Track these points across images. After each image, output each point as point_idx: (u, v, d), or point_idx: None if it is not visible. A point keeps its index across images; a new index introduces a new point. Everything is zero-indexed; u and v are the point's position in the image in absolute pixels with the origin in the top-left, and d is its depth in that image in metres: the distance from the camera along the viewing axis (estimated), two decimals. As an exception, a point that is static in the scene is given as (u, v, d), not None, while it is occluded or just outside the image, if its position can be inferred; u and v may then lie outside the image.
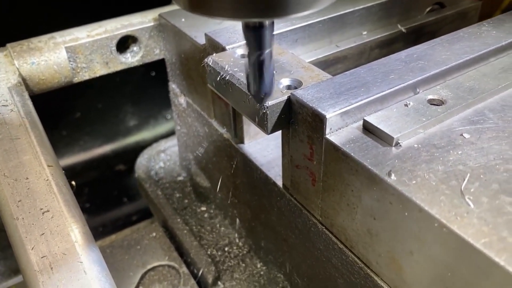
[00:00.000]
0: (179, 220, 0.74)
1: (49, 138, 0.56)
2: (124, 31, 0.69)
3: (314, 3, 0.33)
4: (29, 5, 0.89)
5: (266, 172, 0.55)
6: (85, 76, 0.69)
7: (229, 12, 0.32)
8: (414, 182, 0.35)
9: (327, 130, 0.40)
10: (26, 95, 0.60)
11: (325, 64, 0.59)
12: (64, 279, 0.40)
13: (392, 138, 0.38)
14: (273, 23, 0.38)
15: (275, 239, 0.59)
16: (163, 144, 0.93)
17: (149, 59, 0.73)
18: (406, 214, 0.35)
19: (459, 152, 0.37)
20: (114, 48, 0.69)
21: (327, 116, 0.40)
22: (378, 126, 0.39)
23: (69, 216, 0.45)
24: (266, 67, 0.39)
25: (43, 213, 0.45)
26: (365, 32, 0.64)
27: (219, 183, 0.70)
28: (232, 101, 0.48)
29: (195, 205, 0.78)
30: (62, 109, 1.07)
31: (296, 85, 0.46)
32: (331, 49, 0.60)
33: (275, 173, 0.54)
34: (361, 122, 0.41)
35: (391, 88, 0.43)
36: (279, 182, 0.53)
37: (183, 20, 0.65)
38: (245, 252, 0.68)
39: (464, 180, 0.35)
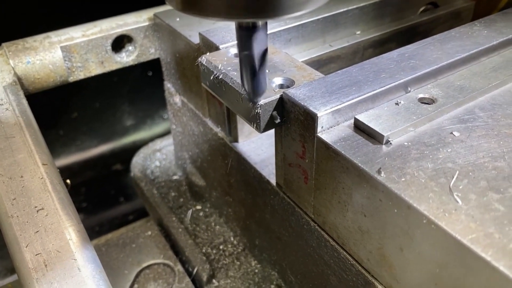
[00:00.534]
0: (174, 218, 0.74)
1: (46, 137, 0.56)
2: (119, 31, 0.69)
3: (306, 4, 0.34)
4: (24, 5, 0.89)
5: (259, 170, 0.55)
6: (80, 75, 0.69)
7: (222, 13, 0.32)
8: (403, 179, 0.35)
9: (319, 129, 0.41)
10: (21, 94, 0.60)
11: (319, 64, 0.60)
12: (58, 276, 0.40)
13: (383, 136, 0.38)
14: (266, 23, 0.39)
15: (269, 237, 0.60)
16: (158, 143, 0.93)
17: (144, 58, 0.73)
18: (395, 211, 0.35)
19: (448, 150, 0.38)
20: (109, 47, 0.70)
21: (319, 115, 0.40)
22: (369, 125, 0.40)
23: (63, 214, 0.45)
24: (259, 67, 0.40)
25: (37, 211, 0.45)
26: (358, 32, 0.64)
27: (214, 182, 0.70)
28: (226, 100, 0.49)
29: (190, 204, 0.78)
30: (59, 109, 1.07)
31: (289, 84, 0.46)
32: (325, 48, 0.61)
33: (269, 172, 0.55)
34: (352, 121, 0.42)
35: (382, 87, 0.43)
36: (273, 181, 0.53)
37: (177, 19, 0.65)
38: (239, 250, 0.69)
39: (453, 177, 0.35)
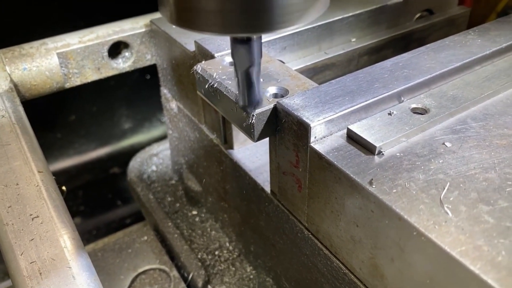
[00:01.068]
0: (170, 224, 0.74)
1: (44, 141, 0.56)
2: (115, 37, 0.69)
3: (300, 19, 0.34)
4: (20, 11, 0.89)
5: (254, 177, 0.55)
6: (76, 81, 0.70)
7: (216, 28, 0.33)
8: (394, 190, 0.36)
9: (312, 139, 0.41)
10: (17, 101, 0.61)
11: (314, 71, 0.60)
12: (53, 284, 0.40)
13: (375, 147, 0.39)
14: (260, 37, 0.39)
15: (264, 243, 0.60)
16: (155, 148, 0.93)
17: (140, 64, 0.73)
18: (386, 222, 0.35)
19: (440, 161, 0.38)
20: (106, 53, 0.70)
21: (312, 125, 0.40)
22: (361, 135, 0.40)
23: (58, 222, 0.46)
24: (253, 79, 0.40)
25: (32, 219, 0.46)
26: (354, 39, 0.65)
27: (210, 188, 0.70)
28: (221, 109, 0.49)
29: (186, 209, 0.79)
30: (56, 112, 1.07)
31: (283, 93, 0.46)
32: (320, 56, 0.61)
33: (263, 179, 0.55)
34: (345, 131, 0.42)
35: (375, 97, 0.43)
36: (267, 188, 0.53)
37: (174, 26, 0.65)
38: (235, 256, 0.69)
39: (444, 189, 0.35)
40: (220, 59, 0.52)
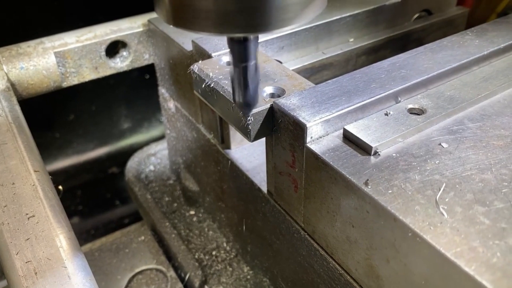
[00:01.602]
0: (167, 224, 0.74)
1: (42, 140, 0.56)
2: (113, 36, 0.69)
3: (297, 19, 0.34)
4: (18, 10, 0.89)
5: (251, 178, 0.55)
6: (74, 81, 0.69)
7: (213, 28, 0.33)
8: (390, 191, 0.35)
9: (308, 139, 0.41)
10: (14, 100, 0.61)
11: (312, 71, 0.60)
12: (48, 284, 0.40)
13: (371, 147, 0.39)
14: (257, 37, 0.39)
15: (261, 244, 0.60)
16: (153, 148, 0.93)
17: (138, 64, 0.73)
18: (382, 222, 0.35)
19: (436, 162, 0.38)
20: (103, 53, 0.70)
21: (308, 125, 0.40)
22: (358, 135, 0.40)
23: (54, 221, 0.45)
24: (250, 79, 0.40)
25: (28, 218, 0.45)
26: (352, 39, 0.64)
27: (208, 188, 0.70)
28: (217, 108, 0.49)
29: (184, 209, 0.78)
30: (55, 111, 1.07)
31: (280, 93, 0.46)
32: (318, 56, 0.61)
33: (260, 179, 0.55)
34: (341, 131, 0.42)
35: (372, 97, 0.43)
36: (264, 188, 0.53)
37: (171, 26, 0.65)
38: (232, 256, 0.69)
39: (439, 189, 0.35)
40: (217, 58, 0.52)
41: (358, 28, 0.64)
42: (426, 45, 0.53)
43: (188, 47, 0.59)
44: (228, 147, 0.60)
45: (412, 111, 0.43)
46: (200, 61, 0.52)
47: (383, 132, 0.40)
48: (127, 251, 0.73)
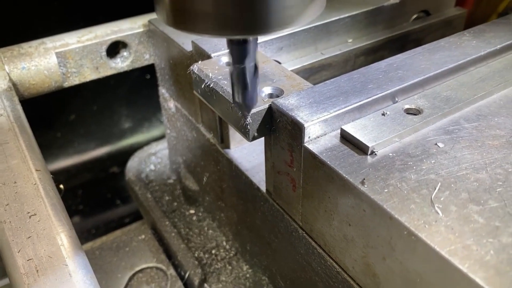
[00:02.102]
0: (167, 222, 0.75)
1: (43, 139, 0.57)
2: (114, 37, 0.70)
3: (296, 21, 0.34)
4: (19, 11, 0.90)
5: (250, 177, 0.56)
6: (75, 81, 0.70)
7: (212, 30, 0.33)
8: (386, 190, 0.36)
9: (306, 139, 0.42)
10: (16, 100, 0.61)
11: (310, 72, 0.61)
12: (49, 282, 0.40)
13: (368, 147, 0.39)
14: (256, 38, 0.39)
15: (260, 242, 0.60)
16: (154, 147, 0.94)
17: (139, 64, 0.74)
18: (378, 221, 0.36)
19: (432, 161, 0.38)
20: (104, 53, 0.70)
21: (306, 125, 0.41)
22: (355, 135, 0.40)
23: (55, 220, 0.46)
24: (249, 79, 0.41)
25: (30, 217, 0.46)
26: (350, 40, 0.65)
27: (207, 187, 0.71)
28: (217, 108, 0.49)
29: (184, 208, 0.79)
30: (56, 111, 1.08)
31: (278, 93, 0.47)
32: (317, 56, 0.61)
33: (259, 178, 0.55)
34: (339, 131, 0.42)
35: (369, 98, 0.44)
36: (263, 187, 0.54)
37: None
38: (231, 255, 0.69)
39: (435, 189, 0.36)
40: (216, 59, 0.53)
41: (356, 28, 0.65)
42: (424, 45, 0.53)
43: (188, 47, 0.60)
44: (228, 147, 0.60)
45: (408, 111, 0.44)
46: (199, 62, 0.52)
47: (380, 132, 0.41)
48: (128, 249, 0.73)
